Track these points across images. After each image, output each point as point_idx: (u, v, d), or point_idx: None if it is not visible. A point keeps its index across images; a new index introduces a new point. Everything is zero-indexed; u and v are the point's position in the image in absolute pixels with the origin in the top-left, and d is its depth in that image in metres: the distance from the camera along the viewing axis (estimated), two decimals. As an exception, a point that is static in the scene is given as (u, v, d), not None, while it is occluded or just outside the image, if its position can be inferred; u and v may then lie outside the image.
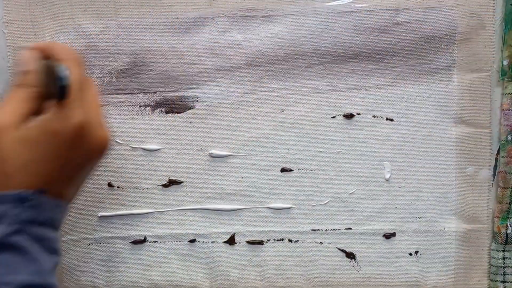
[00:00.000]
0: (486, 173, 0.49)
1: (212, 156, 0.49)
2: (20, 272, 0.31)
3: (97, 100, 0.37)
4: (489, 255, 0.49)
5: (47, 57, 0.36)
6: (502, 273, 0.49)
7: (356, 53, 0.47)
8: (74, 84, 0.34)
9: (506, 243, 0.48)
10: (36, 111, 0.34)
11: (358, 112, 0.48)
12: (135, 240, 0.50)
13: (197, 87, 0.48)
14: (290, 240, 0.50)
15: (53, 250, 0.35)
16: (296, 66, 0.48)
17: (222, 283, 0.50)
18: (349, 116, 0.48)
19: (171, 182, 0.49)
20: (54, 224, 0.35)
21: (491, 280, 0.49)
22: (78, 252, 0.50)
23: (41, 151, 0.32)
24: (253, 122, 0.49)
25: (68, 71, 0.33)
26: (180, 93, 0.48)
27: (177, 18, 0.47)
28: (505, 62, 0.47)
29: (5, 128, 0.32)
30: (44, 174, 0.33)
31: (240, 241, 0.50)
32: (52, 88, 0.34)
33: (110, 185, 0.49)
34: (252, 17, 0.47)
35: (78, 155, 0.34)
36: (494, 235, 0.49)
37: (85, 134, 0.34)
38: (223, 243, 0.50)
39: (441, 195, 0.49)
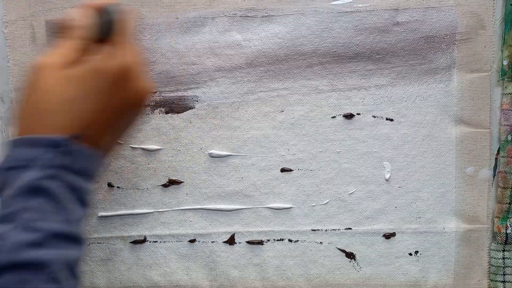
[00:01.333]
0: (486, 173, 0.49)
1: (212, 156, 0.49)
2: (51, 219, 0.29)
3: (139, 55, 0.37)
4: (489, 255, 0.49)
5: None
6: (502, 273, 0.49)
7: (356, 53, 0.47)
8: (121, 25, 0.35)
9: (506, 243, 0.48)
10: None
11: (358, 112, 0.48)
12: (135, 240, 0.50)
13: (197, 87, 0.48)
14: (290, 240, 0.50)
15: (84, 201, 0.33)
16: (296, 66, 0.48)
17: (222, 283, 0.50)
18: (349, 116, 0.48)
19: (171, 182, 0.49)
20: (87, 175, 0.33)
21: (491, 280, 0.49)
22: (78, 252, 0.50)
23: (84, 89, 0.31)
24: (253, 122, 0.49)
25: (117, 8, 0.35)
26: (180, 93, 0.48)
27: (177, 18, 0.47)
28: (505, 62, 0.47)
29: (51, 66, 0.32)
30: (83, 116, 0.32)
31: (240, 241, 0.50)
32: (101, 32, 0.35)
33: (110, 185, 0.49)
34: (252, 17, 0.47)
35: (119, 99, 0.33)
36: (494, 235, 0.49)
37: (127, 77, 0.34)
38: (223, 243, 0.50)
39: (441, 195, 0.49)
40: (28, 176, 0.30)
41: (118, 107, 0.34)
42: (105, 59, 0.33)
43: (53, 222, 0.30)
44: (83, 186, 0.33)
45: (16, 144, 0.31)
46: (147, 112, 0.48)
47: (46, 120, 0.31)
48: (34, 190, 0.29)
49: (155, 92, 0.48)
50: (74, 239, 0.32)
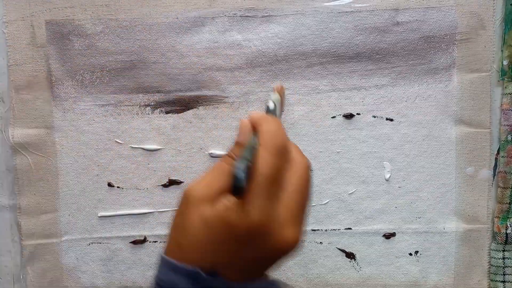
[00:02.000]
0: (486, 173, 0.49)
1: (212, 156, 0.49)
2: None
3: (296, 192, 0.31)
4: (489, 255, 0.49)
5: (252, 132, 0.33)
6: (502, 273, 0.49)
7: (356, 53, 0.47)
8: (261, 178, 0.30)
9: (506, 243, 0.48)
10: None
11: (358, 112, 0.48)
12: (135, 240, 0.50)
13: (197, 87, 0.48)
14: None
15: None
16: (296, 66, 0.48)
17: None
18: (349, 116, 0.48)
19: (171, 182, 0.49)
20: None
21: (491, 280, 0.49)
22: (78, 252, 0.50)
23: (215, 237, 0.31)
24: (253, 122, 0.49)
25: (244, 170, 0.29)
26: (180, 93, 0.48)
27: (177, 18, 0.47)
28: (505, 62, 0.47)
29: (197, 201, 0.31)
30: (215, 259, 0.31)
31: (240, 241, 0.50)
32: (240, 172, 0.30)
33: (110, 185, 0.49)
34: (252, 17, 0.47)
35: (253, 252, 0.31)
36: (494, 235, 0.49)
37: (262, 234, 0.30)
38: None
39: (441, 195, 0.49)
40: None
41: (255, 256, 0.32)
42: (237, 214, 0.30)
43: None
44: None
45: (163, 263, 0.32)
46: (147, 112, 0.48)
47: (185, 252, 0.31)
48: None
49: (155, 92, 0.48)
50: None
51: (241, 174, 0.29)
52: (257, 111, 0.33)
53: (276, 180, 0.30)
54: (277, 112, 0.35)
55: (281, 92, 0.35)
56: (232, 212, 0.30)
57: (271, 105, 0.35)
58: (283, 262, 0.33)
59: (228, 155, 0.32)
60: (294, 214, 0.32)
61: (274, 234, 0.30)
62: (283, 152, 0.31)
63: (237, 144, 0.33)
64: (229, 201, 0.30)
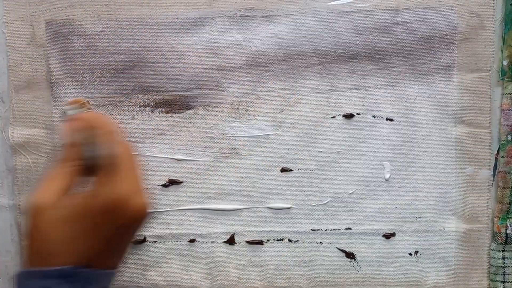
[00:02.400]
0: (486, 173, 0.49)
1: (212, 156, 0.49)
2: None
3: (132, 169, 0.36)
4: (489, 255, 0.49)
5: (88, 128, 0.37)
6: (502, 273, 0.49)
7: (356, 53, 0.47)
8: (104, 159, 0.34)
9: (506, 243, 0.48)
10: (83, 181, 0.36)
11: (358, 112, 0.48)
12: (135, 240, 0.50)
13: (197, 87, 0.48)
14: (290, 240, 0.50)
15: None
16: (296, 66, 0.48)
17: (222, 283, 0.50)
18: (349, 116, 0.48)
19: (171, 182, 0.49)
20: None
21: (491, 280, 0.49)
22: (78, 252, 0.50)
23: (78, 229, 0.33)
24: (253, 122, 0.49)
25: (100, 149, 0.34)
26: (180, 93, 0.48)
27: (177, 18, 0.47)
28: (505, 62, 0.47)
29: (44, 208, 0.33)
30: (85, 250, 0.34)
31: (240, 241, 0.50)
32: (91, 161, 0.35)
33: (110, 185, 0.49)
34: (252, 17, 0.47)
35: (115, 228, 0.35)
36: (494, 235, 0.49)
37: (116, 208, 0.34)
38: (222, 243, 0.50)
39: (440, 195, 0.49)
40: None
41: (117, 232, 0.35)
42: (90, 198, 0.34)
43: None
44: None
45: (29, 276, 0.33)
46: (147, 112, 0.48)
47: (52, 259, 0.33)
48: None
49: (155, 92, 0.48)
50: None
51: (96, 153, 0.35)
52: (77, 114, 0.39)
53: (115, 160, 0.35)
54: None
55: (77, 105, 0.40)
56: (87, 198, 0.34)
57: (71, 112, 0.40)
58: (139, 234, 0.37)
59: (63, 159, 0.36)
60: (136, 187, 0.35)
61: (126, 205, 0.34)
62: (116, 136, 0.37)
63: (72, 144, 0.37)
64: (81, 192, 0.34)
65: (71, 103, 0.44)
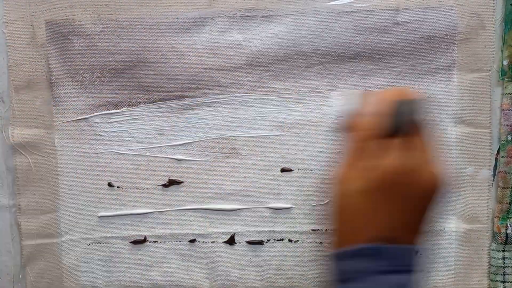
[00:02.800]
0: (486, 173, 0.49)
1: (212, 156, 0.49)
2: None
3: (422, 141, 0.35)
4: (489, 255, 0.49)
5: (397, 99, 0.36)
6: (502, 273, 0.49)
7: (356, 53, 0.47)
8: (414, 125, 0.34)
9: (506, 243, 0.48)
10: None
11: (358, 112, 0.48)
12: (135, 240, 0.50)
13: (197, 87, 0.48)
14: (290, 240, 0.50)
15: None
16: (296, 66, 0.48)
17: (222, 283, 0.50)
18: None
19: (171, 182, 0.49)
20: (410, 269, 0.35)
21: (491, 280, 0.49)
22: (78, 252, 0.50)
23: (377, 201, 0.33)
24: (253, 122, 0.49)
25: (413, 106, 0.33)
26: (180, 93, 0.48)
27: (177, 18, 0.47)
28: (505, 62, 0.47)
29: (347, 183, 0.34)
30: (386, 224, 0.33)
31: (240, 241, 0.50)
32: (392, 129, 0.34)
33: (110, 185, 0.49)
34: (252, 17, 0.47)
35: (408, 200, 0.33)
36: (494, 235, 0.49)
37: (410, 174, 0.33)
38: (223, 243, 0.50)
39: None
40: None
41: (412, 204, 0.34)
42: (380, 167, 0.33)
43: None
44: (408, 280, 0.34)
45: (339, 256, 0.34)
46: (147, 112, 0.49)
47: (358, 235, 0.33)
48: None
49: (155, 92, 0.48)
50: None
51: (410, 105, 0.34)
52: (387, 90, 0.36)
53: (409, 131, 0.34)
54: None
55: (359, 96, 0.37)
56: (378, 168, 0.32)
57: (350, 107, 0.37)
58: (435, 209, 0.35)
59: (356, 130, 0.35)
60: (428, 159, 0.34)
61: (420, 172, 0.33)
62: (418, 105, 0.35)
63: (362, 115, 0.35)
64: (386, 154, 0.33)
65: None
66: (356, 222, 0.33)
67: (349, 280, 0.32)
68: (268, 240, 0.50)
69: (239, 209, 0.50)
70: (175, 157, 0.49)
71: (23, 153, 0.49)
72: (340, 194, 0.34)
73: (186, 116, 0.49)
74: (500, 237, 0.48)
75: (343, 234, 0.34)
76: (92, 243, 0.50)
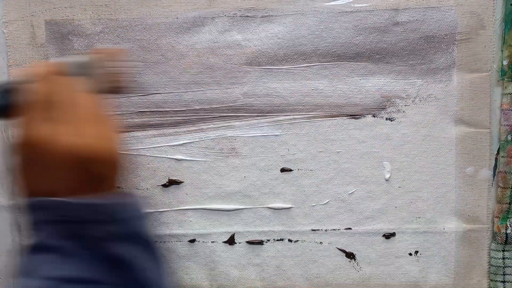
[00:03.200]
0: (486, 173, 0.49)
1: (213, 156, 0.49)
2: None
3: (67, 108, 0.35)
4: (489, 255, 0.49)
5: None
6: (502, 273, 0.49)
7: (356, 53, 0.47)
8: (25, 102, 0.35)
9: (506, 243, 0.48)
10: None
11: (358, 112, 0.48)
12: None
13: (197, 87, 0.48)
14: (290, 240, 0.50)
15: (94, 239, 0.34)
16: (296, 66, 0.48)
17: (222, 283, 0.50)
18: (349, 116, 0.48)
19: (171, 182, 0.49)
20: (96, 220, 0.34)
21: (491, 280, 0.49)
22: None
23: (20, 161, 0.36)
24: (253, 122, 0.49)
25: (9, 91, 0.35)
26: (180, 93, 0.48)
27: (177, 18, 0.47)
28: (505, 62, 0.47)
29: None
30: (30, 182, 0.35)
31: (240, 241, 0.50)
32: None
33: (110, 185, 0.49)
34: (252, 17, 0.47)
35: (47, 166, 0.34)
36: (494, 235, 0.49)
37: (35, 147, 0.35)
38: (223, 243, 0.50)
39: (441, 195, 0.49)
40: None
41: (53, 169, 0.34)
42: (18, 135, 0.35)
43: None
44: (95, 231, 0.34)
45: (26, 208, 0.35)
46: (147, 113, 0.48)
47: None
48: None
49: (155, 93, 0.48)
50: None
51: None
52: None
53: (47, 103, 0.34)
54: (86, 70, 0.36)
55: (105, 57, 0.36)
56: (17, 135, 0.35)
57: (82, 59, 0.36)
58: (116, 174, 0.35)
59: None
60: (71, 129, 0.34)
61: (50, 145, 0.33)
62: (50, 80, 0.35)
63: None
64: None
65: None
66: (26, 176, 0.35)
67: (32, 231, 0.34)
68: (268, 240, 0.50)
69: (239, 209, 0.50)
70: (175, 157, 0.49)
71: (23, 153, 0.49)
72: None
73: (186, 116, 0.49)
74: (500, 237, 0.48)
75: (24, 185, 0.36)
76: (92, 243, 0.50)
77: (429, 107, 0.48)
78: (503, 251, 0.49)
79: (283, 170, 0.49)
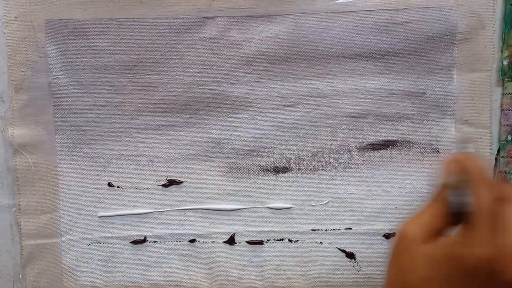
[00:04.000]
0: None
1: (212, 156, 0.49)
2: None
3: (507, 227, 0.31)
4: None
5: (462, 172, 0.34)
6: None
7: (356, 53, 0.47)
8: (481, 211, 0.31)
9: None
10: (450, 226, 0.33)
11: (358, 112, 0.48)
12: (135, 240, 0.50)
13: (197, 87, 0.48)
14: (290, 240, 0.50)
15: None
16: (296, 66, 0.48)
17: (222, 283, 0.50)
18: (349, 116, 0.48)
19: (171, 182, 0.49)
20: None
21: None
22: (78, 252, 0.50)
23: (442, 272, 0.31)
24: (253, 122, 0.49)
25: (471, 196, 0.31)
26: (179, 93, 0.48)
27: (177, 18, 0.47)
28: (505, 62, 0.47)
29: (415, 239, 0.32)
30: None
31: (240, 241, 0.50)
32: (459, 208, 0.32)
33: (110, 185, 0.49)
34: (252, 17, 0.47)
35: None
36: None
37: (492, 270, 0.30)
38: (223, 243, 0.50)
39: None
40: None
41: None
42: (464, 246, 0.30)
43: None
44: None
45: None
46: (147, 113, 0.48)
47: None
48: None
49: (155, 93, 0.48)
50: None
51: (467, 199, 0.30)
52: (454, 154, 0.36)
53: (497, 214, 0.30)
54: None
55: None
56: (459, 246, 0.30)
57: (470, 150, 0.36)
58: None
59: (436, 198, 0.34)
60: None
61: (503, 268, 0.30)
62: (493, 185, 0.32)
63: (444, 185, 0.34)
64: (452, 236, 0.31)
65: (466, 141, 0.39)
66: (412, 278, 0.32)
67: None
68: (268, 240, 0.50)
69: (239, 209, 0.50)
70: (175, 157, 0.49)
71: (23, 153, 0.49)
72: (405, 249, 0.32)
73: (186, 116, 0.49)
74: (500, 237, 0.48)
75: (401, 285, 0.33)
76: (92, 243, 0.50)
77: (429, 107, 0.48)
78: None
79: (283, 170, 0.49)
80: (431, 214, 0.33)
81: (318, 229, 0.50)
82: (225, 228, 0.50)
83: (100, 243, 0.50)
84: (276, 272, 0.50)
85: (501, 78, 0.47)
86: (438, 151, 0.49)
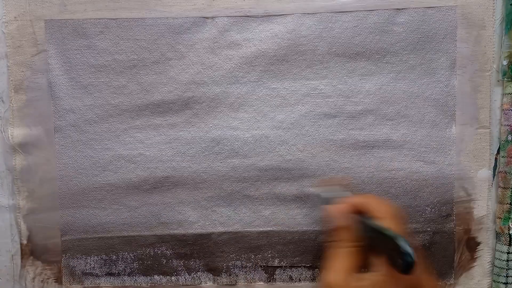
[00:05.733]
0: (486, 173, 0.49)
1: (213, 156, 0.49)
2: None
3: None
4: (493, 255, 0.49)
5: (359, 212, 0.38)
6: (505, 275, 0.48)
7: (356, 53, 0.47)
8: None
9: (510, 244, 0.48)
10: (363, 263, 0.36)
11: (358, 112, 0.48)
12: (135, 240, 0.50)
13: (197, 87, 0.48)
14: (290, 240, 0.50)
15: None
16: (296, 66, 0.48)
17: (222, 283, 0.50)
18: (349, 116, 0.48)
19: (171, 182, 0.49)
20: None
21: (494, 280, 0.49)
22: (78, 252, 0.50)
23: None
24: (253, 122, 0.49)
25: (410, 247, 0.33)
26: (180, 93, 0.48)
27: (177, 18, 0.47)
28: (505, 62, 0.47)
29: (340, 285, 0.35)
30: None
31: (240, 241, 0.50)
32: (383, 250, 0.35)
33: (110, 185, 0.49)
34: (252, 17, 0.47)
35: None
36: (498, 236, 0.49)
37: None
38: (223, 243, 0.50)
39: (440, 195, 0.49)
40: None
41: None
42: (392, 279, 0.34)
43: None
44: None
45: None
46: (147, 113, 0.49)
47: None
48: None
49: (155, 93, 0.48)
50: None
51: (411, 250, 0.32)
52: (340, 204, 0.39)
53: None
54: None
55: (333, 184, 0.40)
56: (386, 279, 0.34)
57: (327, 195, 0.40)
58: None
59: (339, 242, 0.37)
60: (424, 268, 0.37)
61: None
62: (398, 219, 0.37)
63: (340, 228, 0.38)
64: (379, 271, 0.35)
65: (324, 183, 0.43)
66: None
67: None
68: (268, 240, 0.50)
69: (239, 209, 0.49)
70: (175, 157, 0.49)
71: (23, 153, 0.49)
72: None
73: (186, 116, 0.49)
74: (504, 238, 0.48)
75: None
76: (92, 243, 0.50)
77: (429, 107, 0.48)
78: (508, 253, 0.48)
79: (283, 170, 0.49)
80: (341, 258, 0.36)
81: (318, 229, 0.50)
82: (225, 228, 0.50)
83: (100, 243, 0.50)
84: (276, 271, 0.50)
85: (501, 78, 0.47)
86: (438, 151, 0.49)
